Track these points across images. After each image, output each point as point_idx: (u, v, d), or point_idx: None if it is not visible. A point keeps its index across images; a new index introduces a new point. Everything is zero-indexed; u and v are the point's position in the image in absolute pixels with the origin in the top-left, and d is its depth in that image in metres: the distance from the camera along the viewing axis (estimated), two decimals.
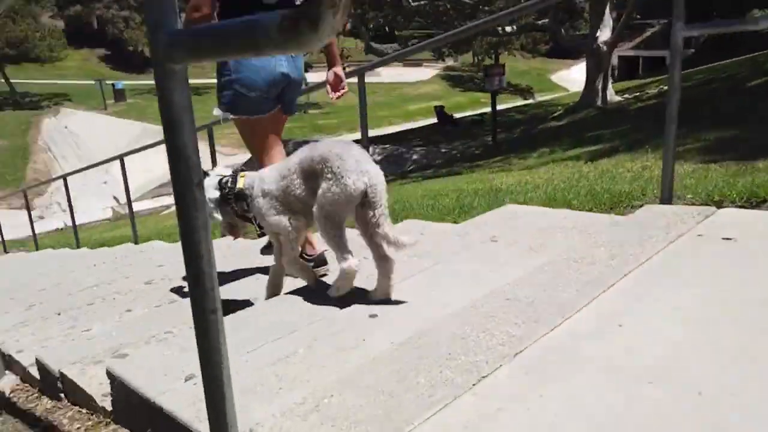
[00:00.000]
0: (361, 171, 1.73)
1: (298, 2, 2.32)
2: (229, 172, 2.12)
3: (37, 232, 16.13)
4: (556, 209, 2.96)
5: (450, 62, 34.29)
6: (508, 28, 13.18)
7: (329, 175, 1.74)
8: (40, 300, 3.60)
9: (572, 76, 36.30)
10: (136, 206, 19.70)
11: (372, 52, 14.69)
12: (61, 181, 20.32)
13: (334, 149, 1.78)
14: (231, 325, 1.73)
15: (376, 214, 1.75)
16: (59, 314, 2.97)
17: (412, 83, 34.70)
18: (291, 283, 2.29)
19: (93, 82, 27.65)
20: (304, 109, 27.73)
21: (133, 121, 23.65)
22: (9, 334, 2.62)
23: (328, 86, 2.51)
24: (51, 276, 4.72)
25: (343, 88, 2.52)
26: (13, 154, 20.78)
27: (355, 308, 1.88)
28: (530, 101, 28.30)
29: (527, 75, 35.07)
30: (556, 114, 16.32)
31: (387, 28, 16.97)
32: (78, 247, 7.76)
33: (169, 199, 19.95)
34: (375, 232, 1.78)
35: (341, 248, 1.83)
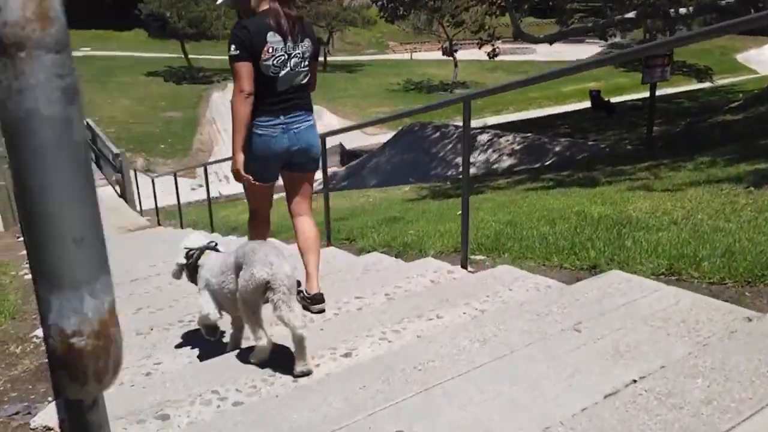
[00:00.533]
0: (265, 263, 2.00)
1: (304, 81, 2.74)
2: (210, 243, 2.45)
3: (194, 199, 17.88)
4: (671, 286, 2.37)
5: (617, 39, 31.44)
6: (682, 10, 11.48)
7: (244, 267, 2.05)
8: (147, 304, 3.48)
9: (764, 56, 31.48)
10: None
11: (521, 37, 13.74)
12: (220, 150, 22.17)
13: (250, 246, 2.13)
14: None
15: (274, 299, 1.99)
16: (143, 334, 2.93)
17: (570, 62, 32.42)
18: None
19: None
20: (451, 89, 27.31)
21: None
22: None
23: None
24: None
25: None
26: (184, 125, 23.08)
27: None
28: (706, 84, 24.98)
29: (708, 54, 30.97)
30: (733, 104, 14.15)
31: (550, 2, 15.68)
32: (212, 227, 8.25)
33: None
34: (277, 314, 2.01)
35: (255, 328, 2.10)
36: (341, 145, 21.92)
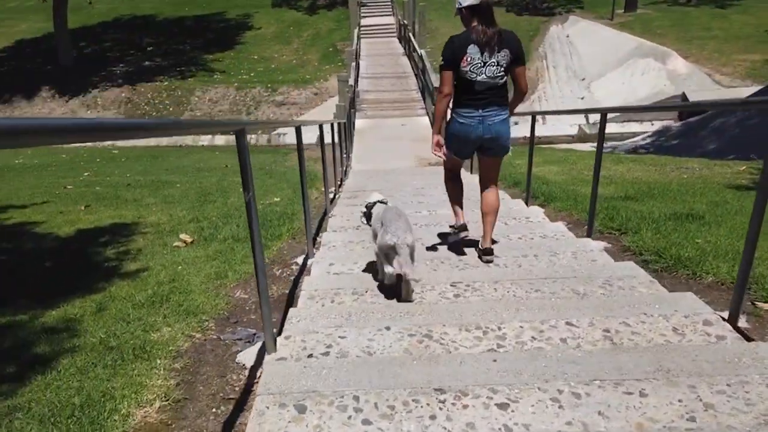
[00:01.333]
0: (394, 233, 2.96)
1: (500, 83, 3.38)
2: (381, 200, 3.63)
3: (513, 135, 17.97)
4: None
5: None
6: None
7: (382, 229, 3.07)
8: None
9: None
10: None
11: None
12: (545, 88, 21.40)
13: (390, 215, 3.13)
14: None
15: (396, 257, 2.95)
16: (358, 294, 3.17)
17: None
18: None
19: None
20: None
21: (630, 35, 22.42)
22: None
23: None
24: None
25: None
26: None
27: None
28: None
29: None
30: None
31: None
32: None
33: (640, 127, 18.71)
34: (395, 263, 2.95)
35: (383, 265, 3.08)
36: (683, 95, 18.94)
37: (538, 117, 20.24)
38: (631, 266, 3.35)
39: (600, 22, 25.40)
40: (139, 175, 9.86)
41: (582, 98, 20.27)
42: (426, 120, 13.33)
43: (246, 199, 2.31)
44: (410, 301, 2.98)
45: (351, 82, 12.72)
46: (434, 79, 12.79)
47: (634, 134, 18.45)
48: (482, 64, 3.32)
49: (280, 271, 3.99)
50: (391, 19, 26.91)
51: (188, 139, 19.04)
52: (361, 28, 25.08)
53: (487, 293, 3.05)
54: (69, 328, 3.05)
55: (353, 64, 14.48)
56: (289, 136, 18.19)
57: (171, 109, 20.11)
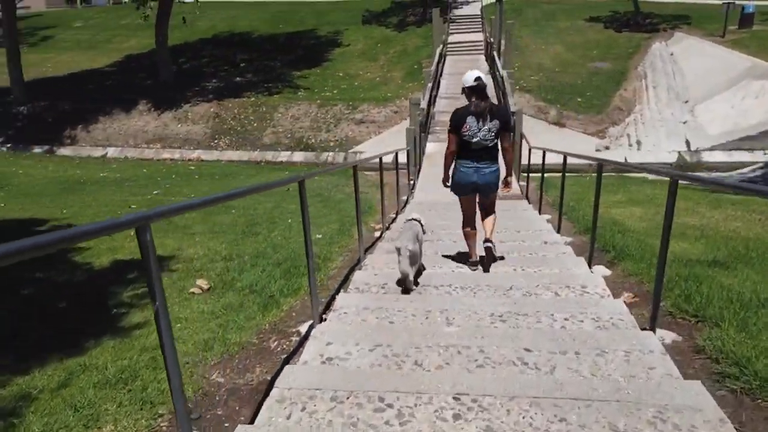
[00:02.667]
0: (402, 240, 4.11)
1: (490, 144, 4.50)
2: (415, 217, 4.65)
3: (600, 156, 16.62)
4: None
5: None
6: None
7: (396, 237, 4.51)
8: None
9: None
10: (705, 156, 17.44)
11: None
12: (643, 110, 19.80)
13: (404, 228, 4.43)
14: None
15: (398, 257, 4.06)
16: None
17: None
18: None
19: (721, 2, 24.75)
20: None
21: (743, 54, 20.23)
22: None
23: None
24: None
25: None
26: (609, 77, 21.41)
27: None
28: None
29: None
30: None
31: None
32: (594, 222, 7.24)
33: (750, 156, 16.69)
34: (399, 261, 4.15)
35: (398, 259, 4.14)
36: None
37: (633, 142, 18.70)
38: (697, 390, 2.53)
39: (709, 40, 23.23)
40: (203, 195, 9.88)
41: (684, 122, 18.48)
42: None
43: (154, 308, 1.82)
44: (409, 292, 4.10)
45: (423, 104, 12.18)
46: (512, 103, 11.98)
47: (743, 164, 16.50)
48: (477, 129, 4.36)
49: (276, 343, 3.50)
50: (479, 36, 26.14)
51: (268, 155, 19.31)
52: (448, 46, 24.53)
53: (496, 419, 2.38)
54: (13, 412, 2.71)
55: (429, 84, 13.94)
56: (366, 154, 17.93)
57: (255, 124, 20.54)
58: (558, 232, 6.33)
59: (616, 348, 3.04)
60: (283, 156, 19.20)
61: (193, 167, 14.37)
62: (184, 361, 3.20)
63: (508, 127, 4.45)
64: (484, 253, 4.66)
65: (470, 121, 4.35)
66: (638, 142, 18.12)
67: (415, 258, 4.08)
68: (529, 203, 8.66)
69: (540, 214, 7.59)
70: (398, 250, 4.01)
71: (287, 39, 29.34)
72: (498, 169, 4.57)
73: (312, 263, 3.52)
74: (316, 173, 5.31)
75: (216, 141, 20.23)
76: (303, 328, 3.63)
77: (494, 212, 4.86)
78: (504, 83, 13.40)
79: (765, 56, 19.90)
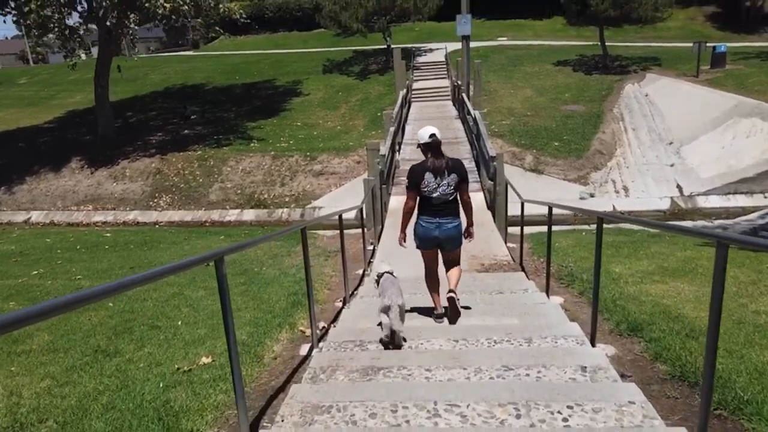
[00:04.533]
0: (389, 297, 3.92)
1: (450, 198, 4.41)
2: (388, 270, 4.46)
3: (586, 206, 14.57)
4: None
5: None
6: None
7: (381, 293, 4.11)
8: None
9: None
10: (701, 202, 15.61)
11: None
12: (624, 153, 18.04)
13: (386, 284, 4.18)
14: None
15: (388, 314, 3.85)
16: None
17: None
18: None
19: (691, 44, 23.75)
20: None
21: (724, 92, 18.87)
22: None
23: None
24: None
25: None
26: (585, 120, 19.78)
27: None
28: None
29: None
30: None
31: None
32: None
33: (749, 200, 14.91)
34: (389, 318, 3.86)
35: (381, 317, 3.94)
36: None
37: (619, 188, 16.81)
38: None
39: (682, 79, 22.00)
40: (93, 277, 7.29)
41: (671, 165, 16.71)
42: (481, 197, 10.30)
43: None
44: (400, 347, 3.88)
45: (384, 150, 9.96)
46: (489, 147, 9.86)
47: (743, 209, 14.67)
48: (437, 185, 4.33)
49: None
50: (445, 82, 24.56)
51: (215, 214, 16.81)
52: (413, 92, 22.80)
53: None
54: None
55: (392, 129, 11.80)
56: (325, 210, 15.61)
57: (201, 180, 18.08)
58: (593, 341, 3.89)
59: None
60: (232, 215, 16.72)
61: (108, 234, 11.73)
62: None
63: (465, 179, 4.44)
64: (447, 305, 4.52)
65: (428, 177, 4.33)
66: (625, 188, 16.22)
67: (403, 313, 3.99)
68: (528, 276, 6.32)
69: (548, 296, 5.24)
70: (387, 308, 3.89)
71: (244, 89, 27.35)
72: (460, 224, 4.53)
73: None
74: (238, 247, 2.94)
75: (156, 200, 17.66)
76: None
77: (458, 264, 4.75)
78: (478, 125, 11.34)
79: (746, 94, 18.53)
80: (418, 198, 4.40)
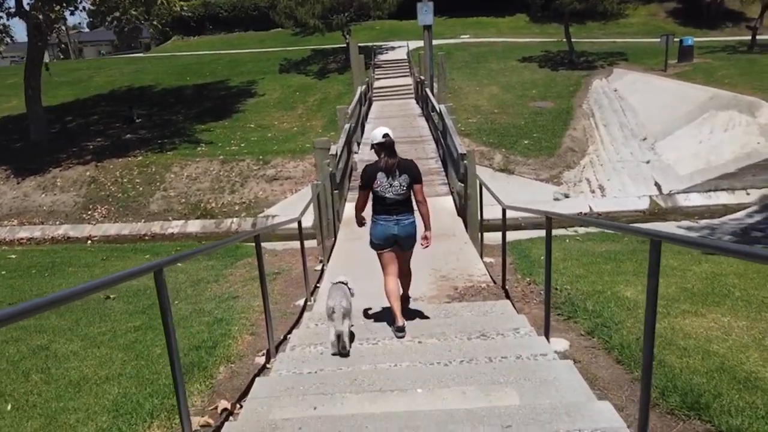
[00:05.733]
0: (333, 299, 3.86)
1: (403, 198, 4.33)
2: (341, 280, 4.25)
3: (563, 211, 13.25)
4: None
5: None
6: None
7: (328, 296, 4.00)
8: None
9: None
10: (681, 200, 14.54)
11: None
12: (597, 151, 16.90)
13: (333, 288, 4.07)
14: None
15: (333, 316, 3.78)
16: None
17: None
18: None
19: (658, 39, 22.91)
20: None
21: (699, 84, 17.96)
22: None
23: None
24: None
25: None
26: (554, 117, 18.61)
27: None
28: None
29: None
30: None
31: None
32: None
33: (731, 198, 13.90)
34: (332, 320, 3.81)
35: (329, 324, 3.89)
36: None
37: (595, 187, 15.63)
38: None
39: (651, 73, 21.11)
40: None
41: (647, 162, 15.61)
42: (450, 202, 8.85)
43: None
44: (346, 355, 3.73)
45: (335, 149, 8.39)
46: (458, 143, 8.40)
47: (725, 207, 13.64)
48: (389, 185, 4.28)
49: None
50: (408, 80, 23.14)
51: (155, 226, 14.94)
52: (374, 90, 21.30)
53: None
54: None
55: (347, 126, 10.23)
56: (279, 218, 13.93)
57: (141, 189, 16.16)
58: None
59: None
60: (175, 226, 14.89)
61: (13, 256, 9.82)
62: None
63: (417, 179, 4.35)
64: (404, 322, 4.26)
65: (380, 177, 4.29)
66: (601, 187, 15.02)
67: (348, 315, 3.89)
68: (514, 304, 4.82)
69: (548, 339, 3.76)
70: (331, 309, 3.83)
71: (194, 91, 25.37)
72: (415, 221, 4.43)
73: None
74: (176, 259, 1.55)
75: (90, 212, 15.67)
76: None
77: (410, 272, 4.76)
78: (444, 120, 9.89)
79: (717, 87, 17.64)
80: (370, 197, 4.40)
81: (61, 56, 41.80)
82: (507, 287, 5.37)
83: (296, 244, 12.16)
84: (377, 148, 4.33)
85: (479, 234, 8.09)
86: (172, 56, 33.56)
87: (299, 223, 5.57)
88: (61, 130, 21.61)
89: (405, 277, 4.68)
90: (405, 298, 4.68)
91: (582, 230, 10.40)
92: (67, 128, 22.01)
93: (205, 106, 23.04)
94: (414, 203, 4.37)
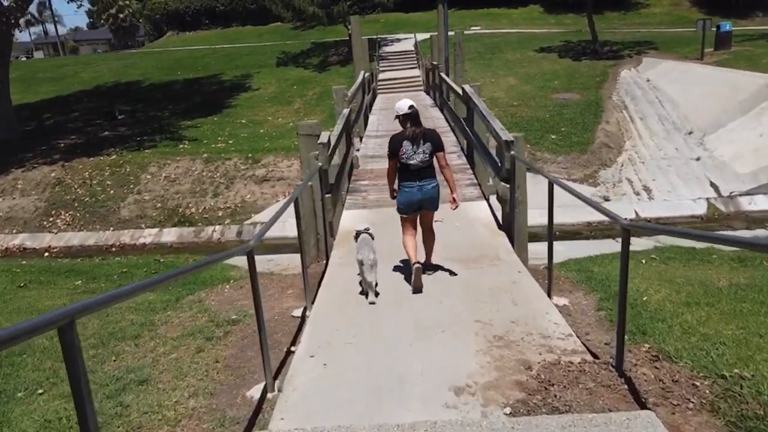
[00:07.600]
0: (361, 252, 4.20)
1: (427, 165, 4.49)
2: (365, 229, 4.58)
3: (595, 220, 10.83)
4: None
5: None
6: None
7: (357, 250, 4.36)
8: None
9: None
10: (745, 204, 12.03)
11: None
12: (636, 146, 14.48)
13: (360, 242, 4.37)
14: None
15: (362, 268, 4.18)
16: None
17: None
18: None
19: (682, 29, 20.52)
20: None
21: (746, 71, 15.55)
22: None
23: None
24: None
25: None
26: (583, 110, 16.22)
27: None
28: None
29: None
30: None
31: None
32: None
33: None
34: (362, 272, 4.23)
35: (362, 275, 4.27)
36: None
37: (639, 189, 13.17)
38: None
39: (687, 62, 18.68)
40: None
41: (697, 159, 13.17)
42: (485, 208, 6.45)
43: None
44: (374, 302, 4.17)
45: (328, 137, 5.98)
46: (500, 127, 6.00)
47: None
48: (413, 152, 4.44)
49: None
50: (416, 72, 20.78)
51: (126, 235, 12.61)
52: (379, 82, 18.95)
53: None
54: None
55: (345, 110, 7.87)
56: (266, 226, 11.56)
57: (112, 192, 13.81)
58: None
59: None
60: (148, 235, 12.54)
61: None
62: None
63: (440, 147, 4.51)
64: (423, 260, 4.67)
65: (406, 145, 4.45)
66: (646, 189, 12.58)
67: (375, 265, 4.20)
68: (657, 415, 2.39)
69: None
70: (360, 262, 4.13)
71: (184, 86, 23.07)
72: (437, 185, 4.58)
73: None
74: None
75: (52, 219, 13.34)
76: None
77: (432, 230, 4.84)
78: (472, 100, 7.50)
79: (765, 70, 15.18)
80: (397, 165, 4.51)
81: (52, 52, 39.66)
82: (625, 370, 2.94)
83: (283, 258, 9.81)
84: (402, 118, 4.48)
85: (526, 255, 5.71)
86: (164, 51, 31.31)
87: (249, 254, 3.18)
88: (36, 128, 19.36)
89: (429, 239, 4.83)
90: (428, 264, 4.82)
91: (648, 244, 8.00)
92: (43, 126, 19.73)
93: (194, 101, 20.75)
94: (436, 169, 4.52)
